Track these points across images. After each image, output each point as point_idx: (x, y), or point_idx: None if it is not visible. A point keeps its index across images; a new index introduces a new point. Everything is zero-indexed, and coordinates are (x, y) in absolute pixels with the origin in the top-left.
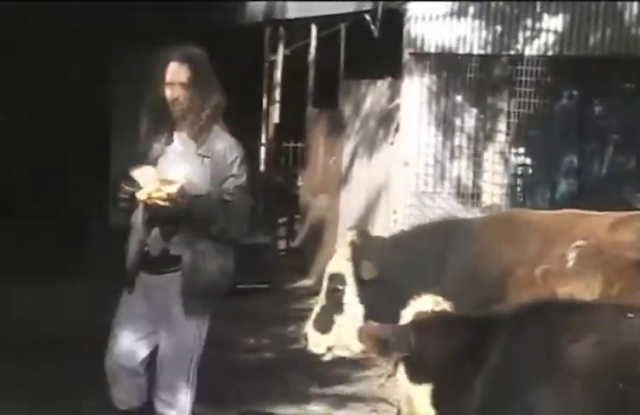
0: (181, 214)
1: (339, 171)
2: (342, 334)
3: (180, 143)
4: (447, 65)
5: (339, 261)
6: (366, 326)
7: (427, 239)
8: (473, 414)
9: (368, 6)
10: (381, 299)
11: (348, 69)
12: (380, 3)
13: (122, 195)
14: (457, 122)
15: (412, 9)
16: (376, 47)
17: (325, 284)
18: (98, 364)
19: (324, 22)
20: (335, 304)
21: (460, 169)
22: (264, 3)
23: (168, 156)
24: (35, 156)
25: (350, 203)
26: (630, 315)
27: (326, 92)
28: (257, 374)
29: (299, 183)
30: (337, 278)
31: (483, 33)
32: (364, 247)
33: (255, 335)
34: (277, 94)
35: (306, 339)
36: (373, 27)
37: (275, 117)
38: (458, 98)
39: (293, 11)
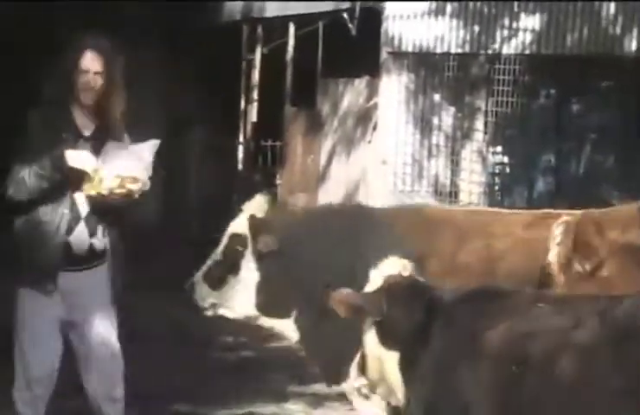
0: (123, 209)
1: (317, 170)
2: (232, 295)
3: (94, 135)
4: (425, 64)
5: (243, 222)
6: (338, 293)
7: (338, 219)
8: (427, 385)
9: (345, 5)
10: (280, 271)
11: (325, 68)
12: (358, 2)
13: (50, 173)
14: (435, 121)
15: (389, 8)
16: (354, 46)
17: (225, 241)
18: None
19: (302, 20)
20: (231, 264)
21: (438, 167)
22: (241, 2)
23: (108, 149)
24: None
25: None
26: (541, 305)
27: (304, 90)
28: (235, 373)
29: (277, 182)
30: (239, 239)
31: (461, 32)
32: (267, 219)
33: (233, 334)
34: (255, 93)
35: (193, 289)
36: (350, 25)
37: (253, 115)
38: (436, 96)
39: (271, 10)
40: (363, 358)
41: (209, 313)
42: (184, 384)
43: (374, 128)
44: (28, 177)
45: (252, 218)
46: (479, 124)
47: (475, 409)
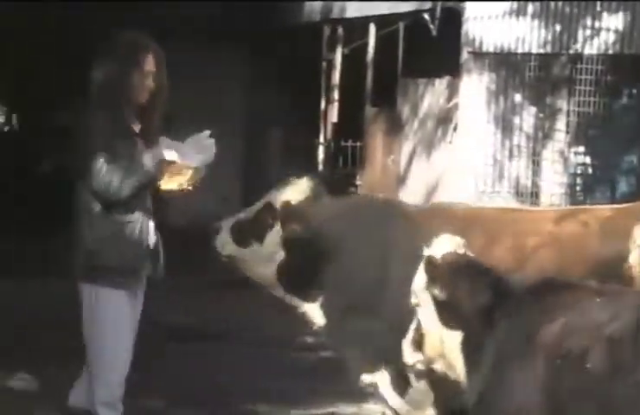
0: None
1: (397, 171)
2: (253, 260)
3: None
4: (506, 64)
5: (282, 196)
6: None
7: (369, 213)
8: (485, 373)
9: (426, 5)
10: (306, 257)
11: (406, 68)
12: (439, 3)
13: (152, 173)
14: (516, 121)
15: (470, 9)
16: (435, 47)
17: (260, 205)
18: None
19: (383, 21)
20: (258, 230)
21: (519, 168)
22: (322, 2)
23: (164, 145)
24: None
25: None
26: (598, 299)
27: (384, 91)
28: (314, 373)
29: (357, 182)
30: (272, 211)
31: (543, 32)
32: (300, 206)
33: (312, 334)
34: (335, 93)
35: (217, 233)
36: (431, 26)
37: (333, 116)
38: (517, 97)
39: (352, 11)
40: (420, 334)
41: (225, 260)
42: (263, 384)
43: (455, 129)
44: (122, 176)
45: (287, 204)
46: (561, 124)
47: (529, 404)
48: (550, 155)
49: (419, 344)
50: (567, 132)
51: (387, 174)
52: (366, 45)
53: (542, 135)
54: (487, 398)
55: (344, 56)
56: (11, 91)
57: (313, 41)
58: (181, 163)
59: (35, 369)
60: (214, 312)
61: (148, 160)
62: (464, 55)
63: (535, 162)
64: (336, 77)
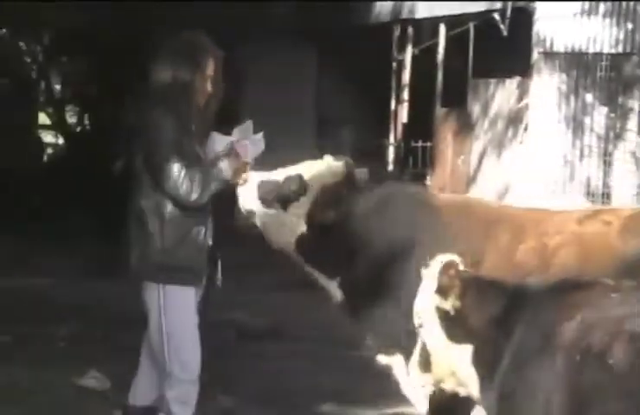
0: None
1: (467, 171)
2: (274, 225)
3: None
4: (577, 64)
5: (311, 170)
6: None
7: (395, 202)
8: (501, 379)
9: (497, 5)
10: (328, 236)
11: (476, 68)
12: (510, 3)
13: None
14: (587, 121)
15: (541, 9)
16: (505, 47)
17: (291, 172)
18: None
19: (453, 21)
20: (283, 196)
21: (590, 168)
22: (392, 2)
23: (215, 139)
24: None
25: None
26: (614, 294)
27: (454, 91)
28: (383, 374)
29: (427, 183)
30: (300, 182)
31: (614, 31)
32: (330, 190)
33: None
34: (405, 94)
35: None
36: (502, 26)
37: (403, 116)
38: (588, 97)
39: (422, 11)
40: (426, 355)
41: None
42: (332, 385)
43: (526, 129)
44: (202, 182)
45: (320, 184)
46: (632, 124)
47: (551, 401)
48: (621, 155)
49: (426, 365)
50: (639, 132)
51: (456, 174)
52: (436, 45)
53: (614, 135)
54: (508, 399)
55: (414, 56)
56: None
57: (383, 41)
58: (245, 160)
59: (106, 368)
60: (283, 312)
61: (225, 165)
62: (535, 55)
63: (607, 162)
64: (406, 77)
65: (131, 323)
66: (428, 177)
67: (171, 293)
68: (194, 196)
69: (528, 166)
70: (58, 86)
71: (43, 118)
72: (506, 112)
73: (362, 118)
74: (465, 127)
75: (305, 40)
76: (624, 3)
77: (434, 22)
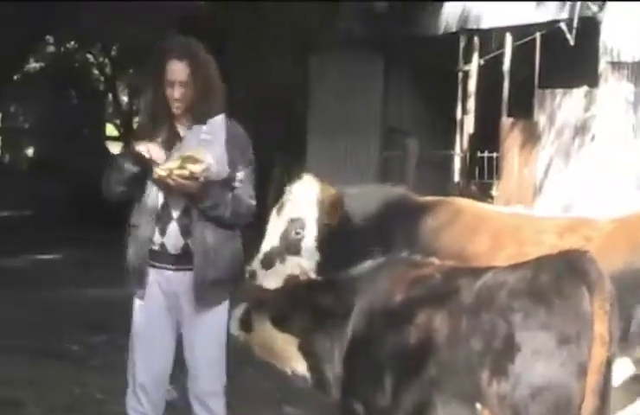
0: (196, 197)
1: (533, 181)
2: (292, 267)
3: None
4: None
5: (303, 206)
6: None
7: (381, 203)
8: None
9: (564, 15)
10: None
11: (543, 78)
12: (577, 12)
13: (125, 165)
14: None
15: (608, 18)
16: (572, 56)
17: (283, 226)
18: None
19: (519, 31)
20: (291, 248)
21: None
22: (458, 12)
23: (187, 140)
24: None
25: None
26: (438, 275)
27: (521, 101)
28: None
29: (493, 193)
30: (298, 223)
31: None
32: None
33: None
34: (471, 104)
35: (254, 276)
36: (569, 35)
37: (469, 126)
38: None
39: (488, 21)
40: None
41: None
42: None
43: (593, 139)
44: (106, 173)
45: (322, 202)
46: None
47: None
48: None
49: (247, 327)
50: None
51: (523, 184)
52: (502, 55)
53: None
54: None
55: (480, 66)
56: None
57: (449, 51)
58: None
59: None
60: None
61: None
62: (602, 65)
63: None
64: (472, 87)
65: None
66: (494, 188)
67: (135, 302)
68: (104, 189)
69: (595, 176)
70: (125, 98)
71: (111, 130)
72: (573, 122)
73: (429, 129)
74: (532, 137)
75: (372, 51)
76: None
77: (501, 31)
